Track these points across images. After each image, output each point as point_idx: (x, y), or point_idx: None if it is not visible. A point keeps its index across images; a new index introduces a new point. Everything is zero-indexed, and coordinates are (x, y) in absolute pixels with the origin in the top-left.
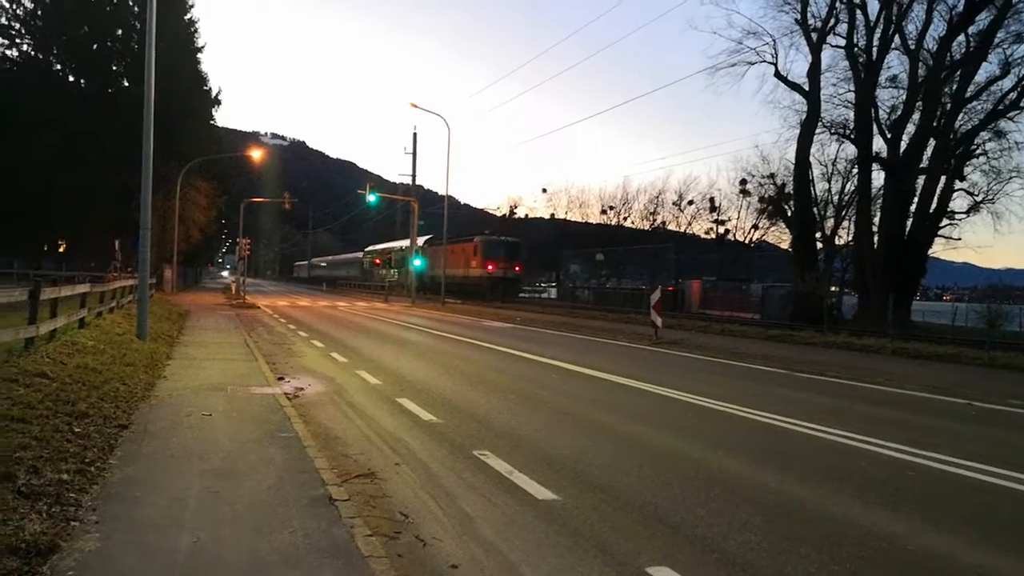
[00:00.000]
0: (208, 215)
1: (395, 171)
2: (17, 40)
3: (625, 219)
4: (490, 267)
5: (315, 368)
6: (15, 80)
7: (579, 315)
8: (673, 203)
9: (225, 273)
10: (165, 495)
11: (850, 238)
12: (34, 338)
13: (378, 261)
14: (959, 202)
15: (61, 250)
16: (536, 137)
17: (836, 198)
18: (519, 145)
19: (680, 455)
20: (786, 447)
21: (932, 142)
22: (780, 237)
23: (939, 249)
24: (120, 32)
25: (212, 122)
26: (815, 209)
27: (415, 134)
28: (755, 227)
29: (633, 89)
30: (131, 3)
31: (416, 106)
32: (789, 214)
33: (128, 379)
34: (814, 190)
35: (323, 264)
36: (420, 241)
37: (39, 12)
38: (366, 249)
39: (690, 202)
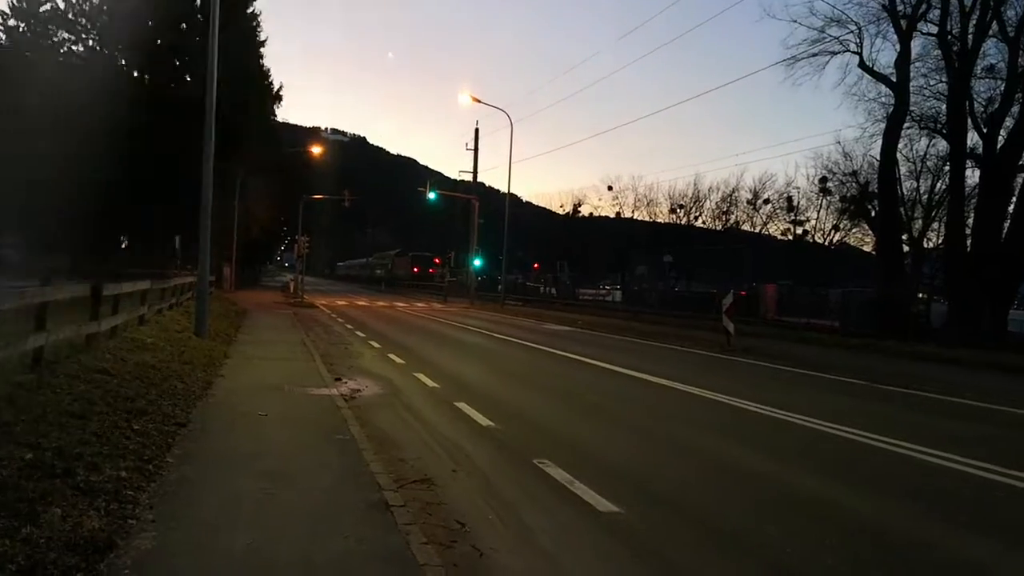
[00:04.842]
0: (268, 213)
1: (456, 168)
2: (83, 36)
3: (696, 219)
4: (415, 270)
5: (372, 369)
6: (81, 75)
7: (645, 319)
8: (748, 202)
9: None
10: (220, 495)
11: (940, 241)
12: (96, 334)
13: (438, 260)
14: None
15: (123, 247)
16: (601, 132)
17: (925, 197)
18: (584, 140)
19: (750, 469)
20: (867, 464)
21: None
22: (862, 239)
23: None
24: (184, 27)
25: (273, 118)
26: (902, 209)
27: (476, 129)
28: (835, 228)
29: (706, 81)
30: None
31: (478, 100)
32: (873, 214)
33: (186, 377)
34: (901, 189)
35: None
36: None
37: (104, 7)
38: (374, 255)
39: (766, 201)
